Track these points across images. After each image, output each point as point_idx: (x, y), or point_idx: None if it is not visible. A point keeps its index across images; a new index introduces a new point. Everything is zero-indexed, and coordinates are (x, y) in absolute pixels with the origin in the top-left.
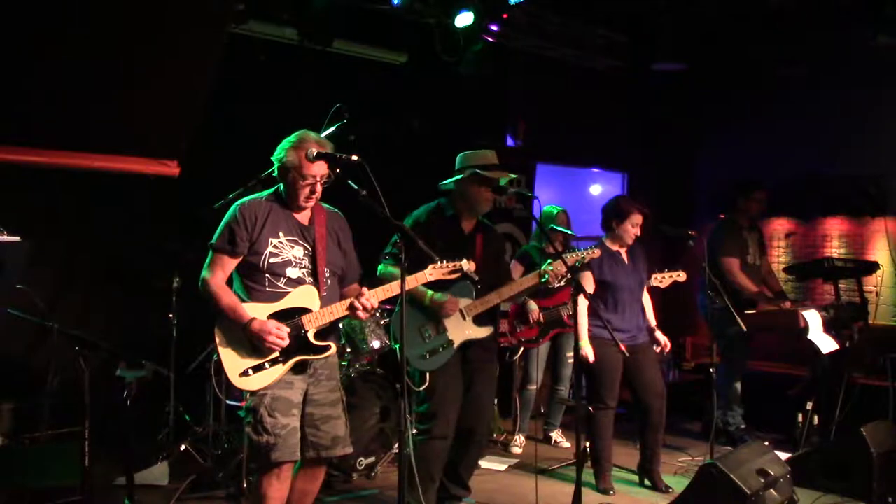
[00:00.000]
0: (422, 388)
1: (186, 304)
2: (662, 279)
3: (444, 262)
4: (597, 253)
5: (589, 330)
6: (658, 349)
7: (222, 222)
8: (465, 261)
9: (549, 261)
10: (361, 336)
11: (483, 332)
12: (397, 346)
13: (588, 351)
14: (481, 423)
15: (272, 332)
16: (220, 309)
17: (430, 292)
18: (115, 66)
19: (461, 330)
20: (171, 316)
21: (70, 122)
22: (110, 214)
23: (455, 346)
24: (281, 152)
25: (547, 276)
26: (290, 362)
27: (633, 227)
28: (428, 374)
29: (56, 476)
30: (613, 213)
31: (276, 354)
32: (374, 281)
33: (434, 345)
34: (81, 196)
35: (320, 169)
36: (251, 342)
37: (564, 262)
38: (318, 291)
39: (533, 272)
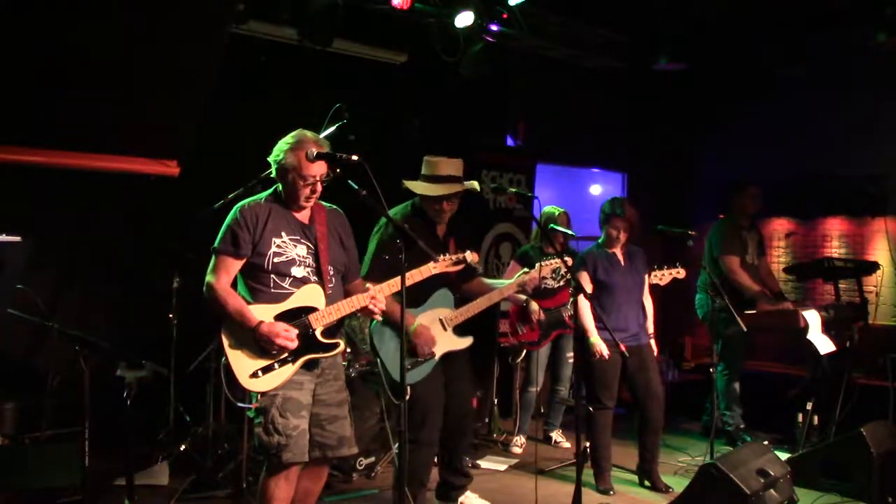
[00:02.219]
0: (405, 400)
1: (186, 304)
2: (662, 276)
3: (447, 254)
4: (568, 262)
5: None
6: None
7: (224, 225)
8: (468, 252)
9: (525, 269)
10: (361, 336)
11: (463, 343)
12: (379, 360)
13: (601, 346)
14: (466, 412)
15: (281, 334)
16: (227, 313)
17: (416, 323)
18: (116, 67)
19: (442, 341)
20: (171, 316)
21: (70, 122)
22: (110, 214)
23: (437, 357)
24: (279, 154)
25: (525, 286)
26: (300, 361)
27: (614, 230)
28: (409, 387)
29: (56, 476)
30: (601, 215)
31: (286, 354)
32: None
33: (416, 358)
34: (81, 196)
35: (320, 169)
36: (259, 344)
37: (564, 262)
38: (323, 289)
39: (512, 280)
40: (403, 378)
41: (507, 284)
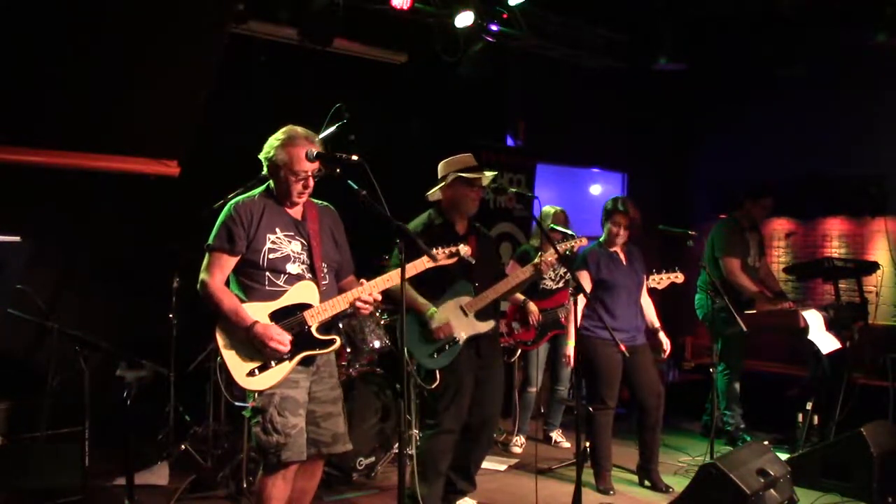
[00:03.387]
0: (434, 386)
1: (186, 304)
2: (660, 281)
3: (441, 248)
4: (584, 241)
5: (590, 330)
6: (663, 354)
7: (218, 222)
8: (461, 245)
9: (540, 252)
10: (361, 336)
11: (486, 327)
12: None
13: (570, 353)
14: (492, 416)
15: (274, 337)
16: (222, 312)
17: (431, 309)
18: (116, 67)
19: (464, 326)
20: (171, 316)
21: (71, 122)
22: (110, 214)
23: (461, 342)
24: (270, 150)
25: (540, 267)
26: (296, 359)
27: (615, 227)
28: (438, 372)
29: (56, 476)
30: (603, 214)
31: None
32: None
33: (440, 343)
34: (81, 196)
35: (311, 164)
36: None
37: (556, 251)
38: (317, 286)
39: (526, 266)
40: (404, 371)
41: (522, 269)
